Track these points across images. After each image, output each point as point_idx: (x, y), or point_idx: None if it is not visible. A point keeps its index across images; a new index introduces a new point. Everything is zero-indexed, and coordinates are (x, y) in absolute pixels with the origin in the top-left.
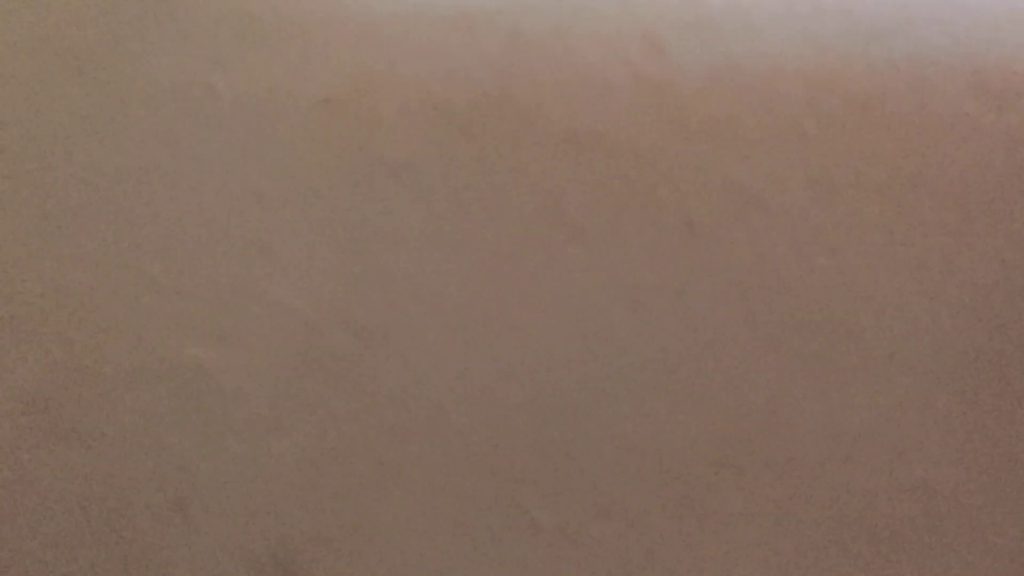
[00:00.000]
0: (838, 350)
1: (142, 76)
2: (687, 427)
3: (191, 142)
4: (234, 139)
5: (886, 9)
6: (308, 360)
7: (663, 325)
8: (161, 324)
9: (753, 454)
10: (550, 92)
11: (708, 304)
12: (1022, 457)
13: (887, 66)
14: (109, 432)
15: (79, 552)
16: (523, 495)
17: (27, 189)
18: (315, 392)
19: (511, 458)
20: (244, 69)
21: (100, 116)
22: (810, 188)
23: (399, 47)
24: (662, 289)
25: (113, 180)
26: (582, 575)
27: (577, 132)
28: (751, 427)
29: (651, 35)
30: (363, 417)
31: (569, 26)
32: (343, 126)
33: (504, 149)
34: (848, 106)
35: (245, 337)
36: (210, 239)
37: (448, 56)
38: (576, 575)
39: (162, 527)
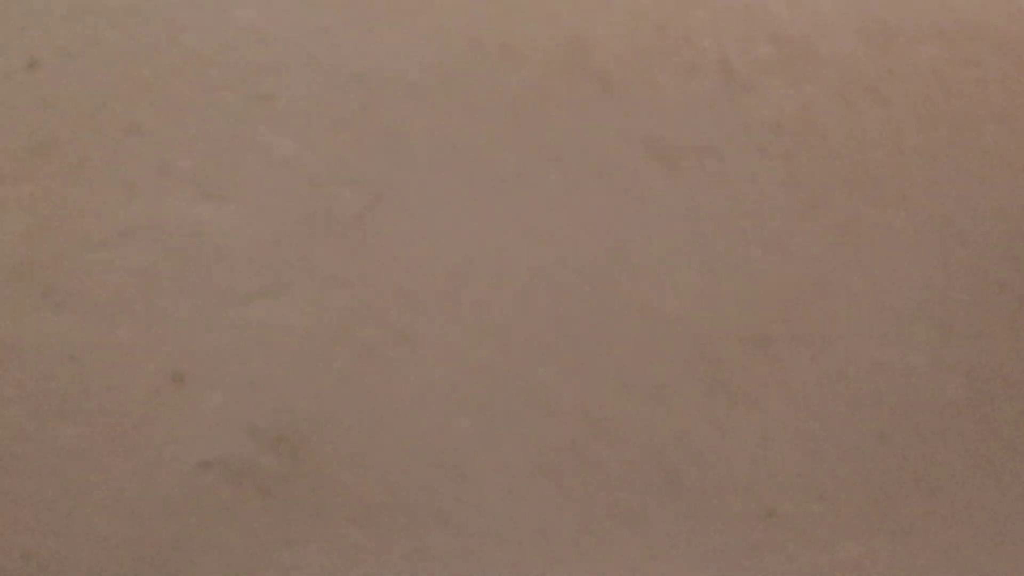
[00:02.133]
0: (886, 215)
1: None
2: (720, 300)
3: None
4: None
5: None
6: (312, 220)
7: (698, 187)
8: (152, 179)
9: (789, 331)
10: None
11: (746, 164)
12: None
13: None
14: (100, 297)
15: (70, 425)
16: (543, 371)
17: (8, 30)
18: (320, 255)
19: (531, 331)
20: None
21: None
22: (861, 34)
23: None
24: (698, 147)
25: (99, 18)
26: (605, 457)
27: None
28: (789, 301)
29: None
30: (371, 282)
31: None
32: None
33: None
34: None
35: (243, 194)
36: (204, 84)
37: None
38: (599, 457)
39: (158, 398)
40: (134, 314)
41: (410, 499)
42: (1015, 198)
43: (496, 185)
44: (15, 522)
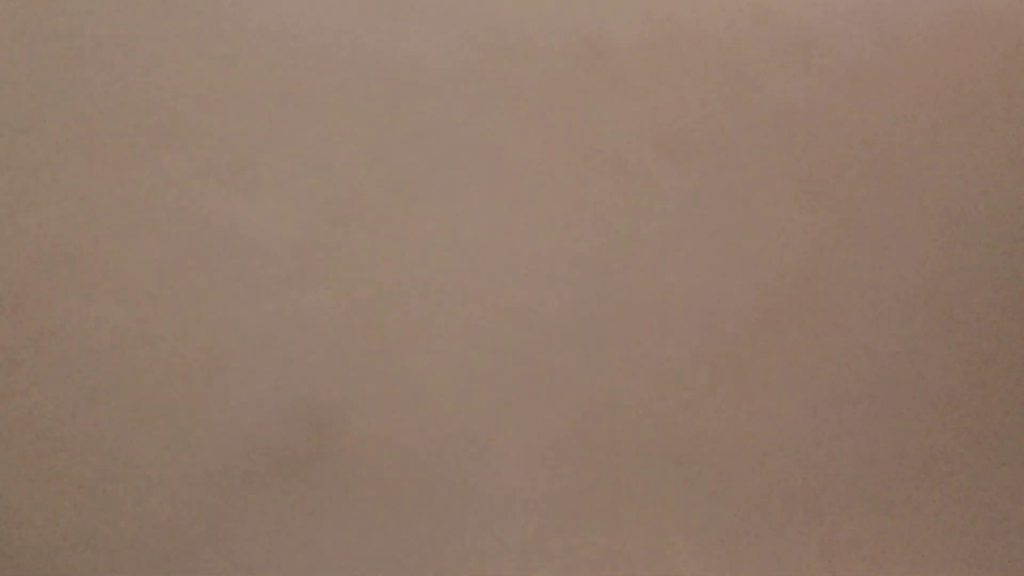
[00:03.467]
0: (891, 204)
1: None
2: (728, 287)
3: None
4: None
5: None
6: (337, 210)
7: (705, 176)
8: (180, 170)
9: (795, 316)
10: None
11: (752, 153)
12: None
13: None
14: (135, 287)
15: (105, 409)
16: (559, 355)
17: (24, 12)
18: (345, 244)
19: (547, 317)
20: None
21: None
22: (865, 29)
23: None
24: (706, 140)
25: (121, 6)
26: (618, 437)
27: None
28: (795, 286)
29: None
30: (396, 271)
31: None
32: None
33: None
34: None
35: (270, 186)
36: (229, 80)
37: None
38: (613, 437)
39: (194, 385)
40: (165, 302)
41: (434, 476)
42: (1019, 189)
43: (514, 177)
44: (59, 500)
